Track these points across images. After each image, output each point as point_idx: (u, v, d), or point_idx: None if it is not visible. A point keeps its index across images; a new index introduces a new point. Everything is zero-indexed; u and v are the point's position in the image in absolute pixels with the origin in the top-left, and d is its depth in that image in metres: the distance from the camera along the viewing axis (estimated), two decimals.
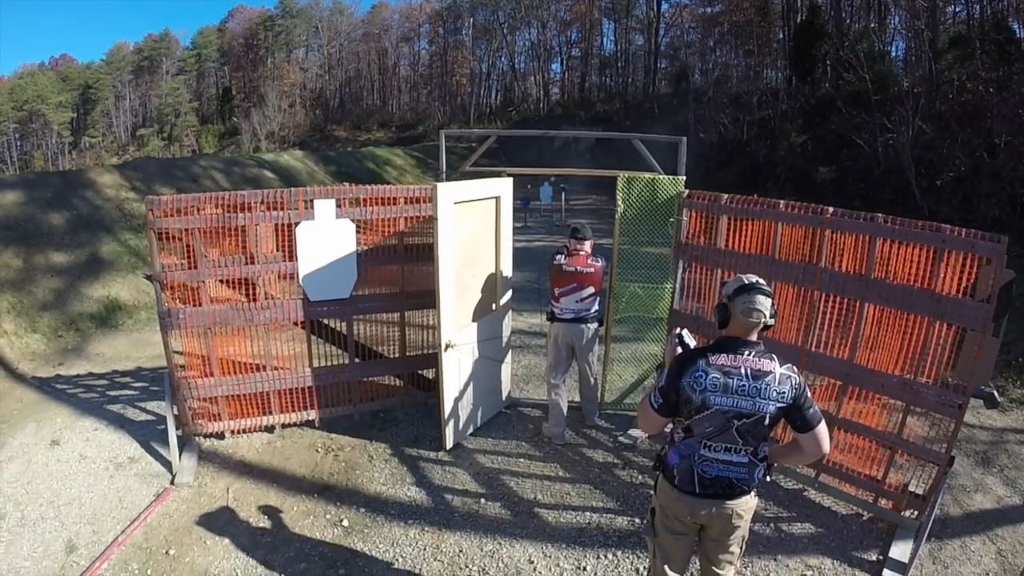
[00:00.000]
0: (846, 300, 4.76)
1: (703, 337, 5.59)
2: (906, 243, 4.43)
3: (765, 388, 2.73)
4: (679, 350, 2.98)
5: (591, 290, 5.63)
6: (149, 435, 5.78)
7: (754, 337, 2.84)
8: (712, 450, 2.83)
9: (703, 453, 2.84)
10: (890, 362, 4.60)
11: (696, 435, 2.84)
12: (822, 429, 2.80)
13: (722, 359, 2.78)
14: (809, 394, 2.83)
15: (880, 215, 4.57)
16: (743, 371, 2.75)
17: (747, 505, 2.94)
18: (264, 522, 4.71)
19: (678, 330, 3.10)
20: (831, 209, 4.78)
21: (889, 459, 4.69)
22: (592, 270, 5.60)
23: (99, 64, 79.03)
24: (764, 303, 2.78)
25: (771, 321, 2.83)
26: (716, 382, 2.75)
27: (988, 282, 4.14)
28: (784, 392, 2.74)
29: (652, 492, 3.15)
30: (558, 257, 5.65)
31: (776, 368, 2.76)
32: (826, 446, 2.83)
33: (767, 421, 2.77)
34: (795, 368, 2.83)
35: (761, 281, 2.84)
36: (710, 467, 2.85)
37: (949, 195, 14.51)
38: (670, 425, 3.00)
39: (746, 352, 2.79)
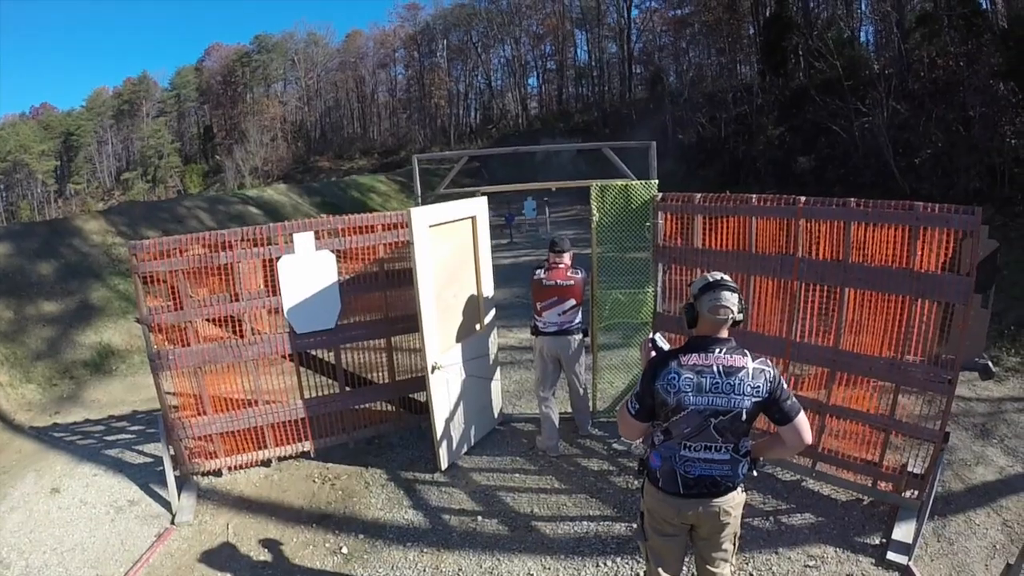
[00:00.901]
0: (826, 287, 4.78)
1: (685, 338, 5.63)
2: (881, 224, 4.46)
3: (739, 384, 2.73)
4: (653, 354, 2.98)
5: (572, 302, 5.64)
6: (148, 477, 5.79)
7: (724, 334, 2.83)
8: (692, 450, 2.82)
9: (684, 454, 2.83)
10: (876, 344, 4.62)
11: (675, 436, 2.83)
12: (801, 420, 2.79)
13: (693, 359, 2.77)
14: (785, 386, 2.82)
15: (852, 200, 4.61)
16: (715, 369, 2.74)
17: (734, 502, 2.93)
18: (265, 555, 4.70)
19: (651, 335, 3.12)
20: (803, 199, 4.81)
21: (884, 441, 4.69)
22: (572, 282, 5.61)
23: (79, 111, 79.08)
24: (730, 299, 2.77)
25: (740, 316, 2.82)
26: (689, 382, 2.74)
27: (968, 255, 4.16)
28: (759, 386, 2.74)
29: (640, 496, 3.14)
30: (538, 272, 5.67)
31: (749, 363, 2.75)
32: (807, 436, 2.82)
33: (744, 417, 2.76)
34: (769, 361, 2.82)
35: (726, 277, 2.85)
36: (692, 467, 2.84)
37: (928, 172, 14.64)
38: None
39: (717, 349, 2.78)
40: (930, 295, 4.32)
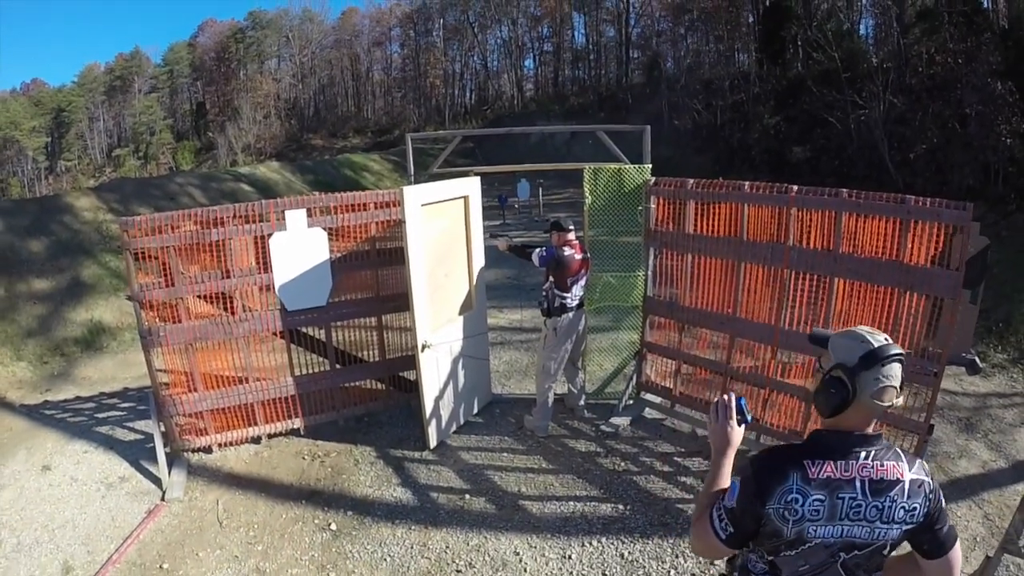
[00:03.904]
0: (816, 276, 4.82)
1: (675, 323, 5.67)
2: (872, 216, 4.50)
3: (889, 506, 1.83)
4: (734, 427, 2.04)
5: (587, 275, 5.80)
6: (138, 454, 5.81)
7: (872, 428, 1.90)
8: None
9: None
10: None
11: (784, 574, 1.97)
12: (957, 552, 1.93)
13: (827, 469, 1.83)
14: (944, 503, 1.93)
15: (844, 190, 4.63)
16: (857, 485, 1.82)
17: None
18: (254, 531, 4.74)
19: (731, 397, 2.09)
20: (795, 187, 4.85)
21: None
22: (588, 255, 5.78)
23: (71, 87, 78.02)
24: (898, 373, 1.84)
25: (899, 400, 1.89)
26: (819, 507, 1.82)
27: (958, 250, 4.19)
28: (915, 508, 1.85)
29: None
30: (565, 250, 5.58)
31: (906, 472, 1.85)
32: (958, 572, 1.96)
33: (887, 550, 1.91)
34: (926, 466, 1.92)
35: (888, 338, 1.89)
36: None
37: (923, 167, 14.66)
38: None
39: (863, 454, 1.85)
40: (919, 288, 4.36)
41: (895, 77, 17.43)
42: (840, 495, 1.81)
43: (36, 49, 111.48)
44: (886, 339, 1.86)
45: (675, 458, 5.47)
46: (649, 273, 5.93)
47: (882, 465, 1.84)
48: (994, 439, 5.69)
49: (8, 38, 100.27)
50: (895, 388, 1.83)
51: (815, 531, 1.84)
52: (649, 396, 6.28)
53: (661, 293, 5.96)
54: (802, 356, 5.08)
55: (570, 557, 4.29)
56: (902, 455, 1.88)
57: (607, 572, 4.16)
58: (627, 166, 5.97)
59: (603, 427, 5.96)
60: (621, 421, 5.98)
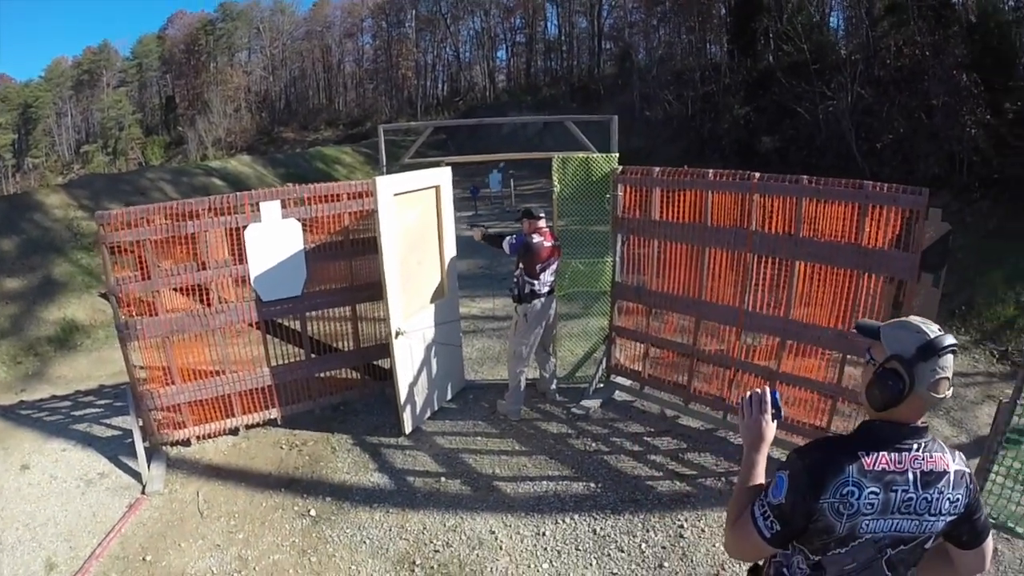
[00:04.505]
0: (778, 260, 4.99)
1: (644, 307, 5.80)
2: (831, 201, 4.67)
3: (937, 498, 1.80)
4: (768, 421, 1.98)
5: (558, 262, 5.91)
6: (117, 450, 5.81)
7: (921, 420, 1.85)
8: None
9: None
10: (825, 316, 4.83)
11: (829, 575, 1.88)
12: (990, 540, 1.92)
13: (882, 461, 1.78)
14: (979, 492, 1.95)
15: (804, 177, 4.79)
16: (910, 477, 1.78)
17: None
18: (235, 520, 4.80)
19: (766, 391, 2.01)
20: (757, 174, 5.01)
21: (831, 408, 4.92)
22: (558, 242, 5.90)
23: (38, 82, 76.38)
24: (952, 364, 1.80)
25: (950, 392, 1.82)
26: (873, 500, 1.76)
27: (915, 233, 4.35)
28: (958, 499, 1.82)
29: None
30: (535, 237, 5.71)
31: (951, 463, 1.82)
32: (989, 561, 1.95)
33: (930, 543, 1.87)
34: (964, 458, 1.90)
35: (941, 328, 1.83)
36: None
37: (889, 157, 14.96)
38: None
39: (915, 446, 1.81)
40: (876, 270, 4.54)
41: (863, 69, 17.71)
42: (893, 488, 1.77)
43: (2, 44, 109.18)
44: (940, 329, 1.81)
45: (644, 438, 5.63)
46: (617, 259, 6.08)
47: (931, 457, 1.80)
48: (956, 416, 5.94)
49: None
50: (949, 379, 1.78)
51: (867, 526, 1.77)
52: (619, 379, 6.44)
53: (629, 279, 6.10)
54: (766, 337, 5.24)
55: (544, 534, 4.42)
56: (944, 446, 1.85)
57: (580, 547, 4.30)
58: (595, 155, 6.10)
59: (574, 410, 6.10)
60: (592, 404, 6.13)
